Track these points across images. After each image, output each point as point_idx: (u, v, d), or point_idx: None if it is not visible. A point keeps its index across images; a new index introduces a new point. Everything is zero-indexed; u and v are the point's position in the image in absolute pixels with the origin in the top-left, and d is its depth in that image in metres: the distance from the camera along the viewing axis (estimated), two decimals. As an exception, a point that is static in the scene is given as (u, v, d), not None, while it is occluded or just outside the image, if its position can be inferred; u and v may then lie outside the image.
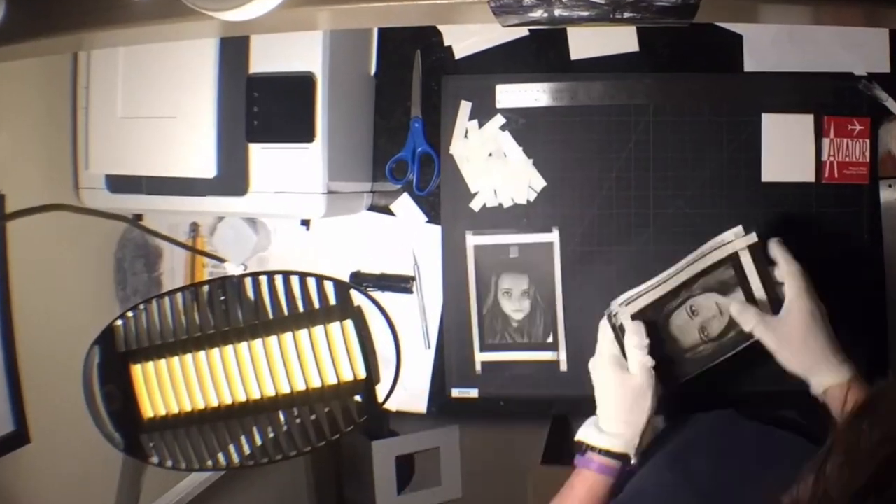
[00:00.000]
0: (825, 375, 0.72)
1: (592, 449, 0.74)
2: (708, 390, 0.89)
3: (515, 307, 1.02)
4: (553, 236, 0.99)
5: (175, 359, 0.98)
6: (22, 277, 0.98)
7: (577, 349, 1.00)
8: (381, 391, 1.00)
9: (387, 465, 1.57)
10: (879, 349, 1.02)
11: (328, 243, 1.08)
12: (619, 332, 0.78)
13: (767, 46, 1.02)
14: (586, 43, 1.03)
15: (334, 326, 0.98)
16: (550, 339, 1.01)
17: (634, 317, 0.78)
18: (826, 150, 1.00)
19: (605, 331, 0.78)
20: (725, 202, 1.00)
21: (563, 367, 1.00)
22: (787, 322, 0.76)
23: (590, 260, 1.03)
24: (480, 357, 1.01)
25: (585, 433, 0.76)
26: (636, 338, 0.75)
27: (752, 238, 0.77)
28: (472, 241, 1.01)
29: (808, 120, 1.00)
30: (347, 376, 0.97)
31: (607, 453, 0.73)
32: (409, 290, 1.05)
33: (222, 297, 1.00)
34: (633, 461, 0.74)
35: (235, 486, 1.15)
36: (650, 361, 0.74)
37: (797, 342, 0.74)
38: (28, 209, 0.85)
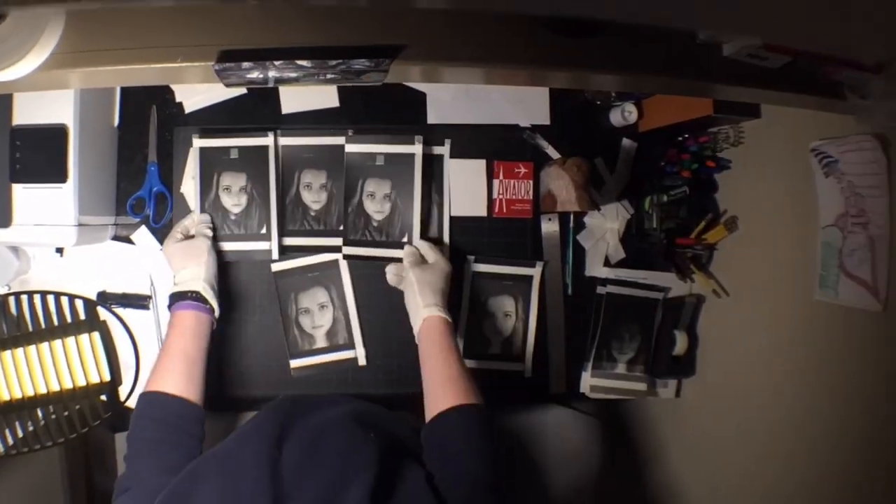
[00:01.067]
0: (430, 310, 0.92)
1: (178, 296, 0.92)
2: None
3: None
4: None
5: None
6: None
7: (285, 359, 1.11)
8: (123, 391, 1.09)
9: None
10: (539, 357, 1.14)
11: (79, 267, 1.14)
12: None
13: (448, 102, 1.14)
14: (295, 99, 1.13)
15: (83, 337, 1.07)
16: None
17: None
18: (497, 189, 1.13)
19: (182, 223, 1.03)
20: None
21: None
22: (426, 272, 0.99)
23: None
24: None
25: (170, 290, 0.96)
26: (198, 217, 1.05)
27: None
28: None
29: (481, 164, 1.13)
30: (95, 379, 1.07)
31: (190, 295, 0.92)
32: (146, 307, 1.12)
33: None
34: (211, 306, 0.93)
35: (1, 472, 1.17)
36: (209, 233, 1.02)
37: (423, 285, 0.96)
38: None
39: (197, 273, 0.95)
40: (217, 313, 0.95)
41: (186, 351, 0.87)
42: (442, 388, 0.82)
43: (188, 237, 1.02)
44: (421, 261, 1.03)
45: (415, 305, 0.94)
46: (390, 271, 1.03)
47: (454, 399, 0.79)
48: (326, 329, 1.10)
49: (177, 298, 0.93)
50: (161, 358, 0.88)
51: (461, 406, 0.78)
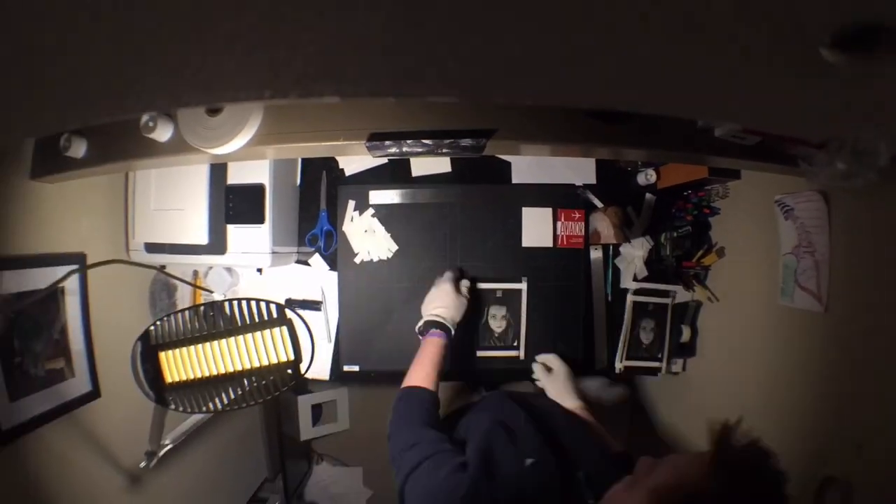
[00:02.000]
0: (568, 403, 1.08)
1: (430, 325, 1.06)
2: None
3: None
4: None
5: (185, 349, 1.21)
6: (97, 301, 1.18)
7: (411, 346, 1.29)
8: (303, 367, 1.22)
9: (306, 410, 1.85)
10: (588, 344, 1.38)
11: (273, 282, 1.36)
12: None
13: (525, 168, 1.36)
14: (421, 166, 1.36)
15: (276, 330, 1.22)
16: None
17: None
18: (559, 228, 1.35)
19: (455, 272, 1.15)
20: (502, 259, 1.35)
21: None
22: (556, 378, 1.15)
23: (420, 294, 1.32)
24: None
25: (426, 317, 1.09)
26: (467, 282, 1.18)
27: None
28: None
29: (548, 211, 1.36)
30: (283, 359, 1.22)
31: (440, 325, 1.05)
32: (318, 309, 1.36)
33: (211, 313, 1.21)
34: (452, 333, 1.06)
35: (219, 422, 1.41)
36: (467, 288, 1.16)
37: (559, 388, 1.12)
38: (99, 263, 1.09)
39: (452, 313, 1.09)
40: (453, 335, 1.09)
41: (434, 361, 1.02)
42: (610, 443, 1.00)
43: (457, 289, 1.16)
44: (548, 370, 1.19)
45: (561, 401, 1.09)
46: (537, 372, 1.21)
47: (620, 447, 0.98)
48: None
49: (431, 326, 1.07)
50: (418, 363, 1.03)
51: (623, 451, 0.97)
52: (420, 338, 1.10)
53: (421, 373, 1.00)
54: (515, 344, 1.33)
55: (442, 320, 1.08)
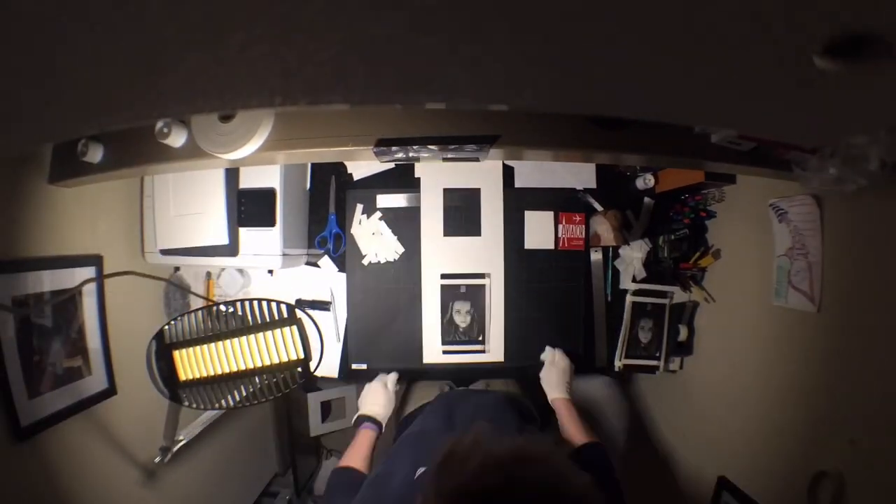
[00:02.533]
0: (555, 394, 1.12)
1: (363, 418, 1.12)
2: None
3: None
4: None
5: (198, 347, 1.21)
6: (113, 302, 1.18)
7: (417, 345, 1.35)
8: (312, 365, 1.20)
9: (316, 407, 1.84)
10: (588, 343, 1.38)
11: (283, 283, 1.36)
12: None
13: (528, 172, 1.36)
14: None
15: (286, 329, 1.22)
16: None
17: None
18: (560, 231, 1.35)
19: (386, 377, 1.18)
20: (504, 261, 1.35)
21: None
22: (554, 365, 1.19)
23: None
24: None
25: (361, 411, 1.14)
26: (394, 376, 1.20)
27: None
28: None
29: (550, 214, 1.35)
30: (293, 357, 1.21)
31: (372, 419, 1.12)
32: (327, 309, 1.36)
33: (223, 313, 1.21)
34: (382, 426, 1.11)
35: (231, 419, 1.40)
36: (393, 382, 1.19)
37: (553, 375, 1.16)
38: (111, 273, 1.10)
39: (382, 410, 1.15)
40: (383, 428, 1.15)
41: (365, 448, 1.09)
42: (578, 433, 1.03)
43: (385, 385, 1.21)
44: (552, 360, 1.23)
45: (548, 390, 1.17)
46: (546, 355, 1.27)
47: (587, 438, 1.02)
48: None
49: (365, 419, 1.14)
50: (352, 449, 1.10)
51: (595, 442, 1.02)
52: (356, 429, 1.15)
53: (354, 456, 1.08)
54: (480, 338, 1.32)
55: (374, 416, 1.13)
